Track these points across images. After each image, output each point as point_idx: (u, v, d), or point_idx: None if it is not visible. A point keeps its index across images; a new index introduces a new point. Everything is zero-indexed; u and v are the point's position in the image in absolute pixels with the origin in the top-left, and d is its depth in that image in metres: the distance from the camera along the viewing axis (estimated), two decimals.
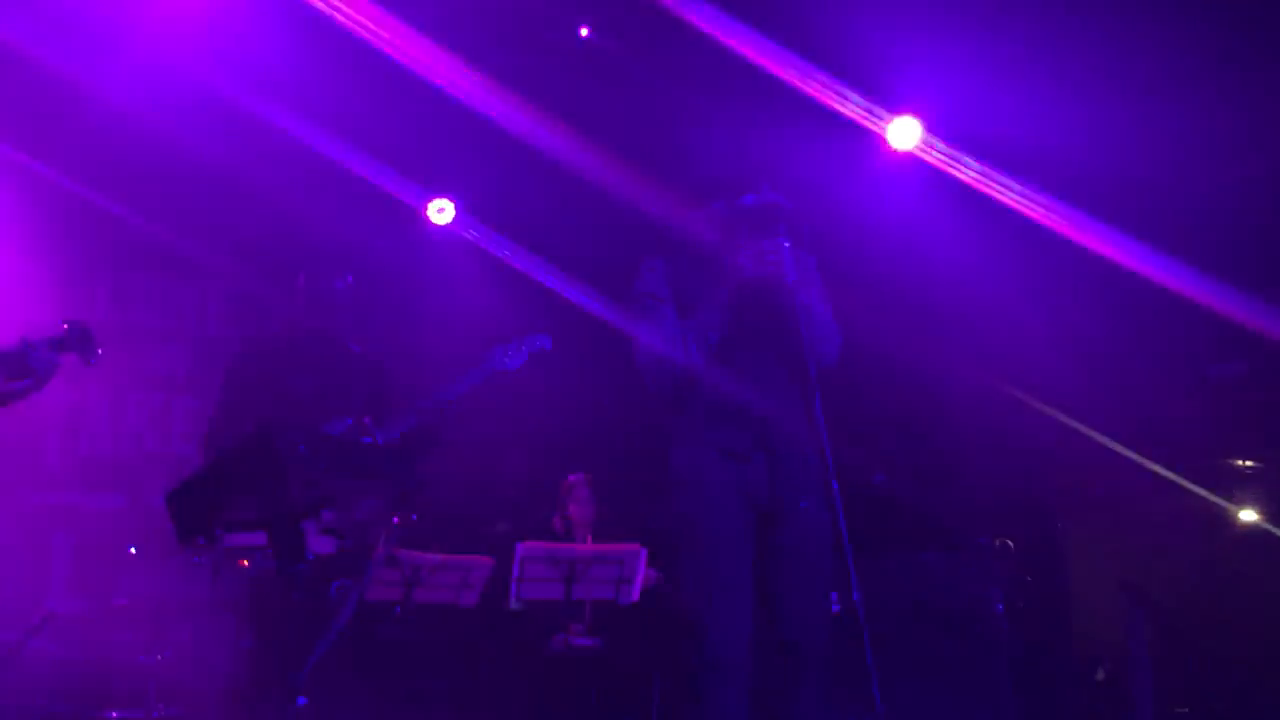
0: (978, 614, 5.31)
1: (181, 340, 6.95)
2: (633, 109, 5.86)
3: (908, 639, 4.98)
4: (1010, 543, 5.54)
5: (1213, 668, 5.40)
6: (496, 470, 6.77)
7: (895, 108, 5.79)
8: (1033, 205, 5.63)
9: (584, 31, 5.83)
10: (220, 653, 4.84)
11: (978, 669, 5.19)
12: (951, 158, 5.80)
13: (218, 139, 6.23)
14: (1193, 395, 5.70)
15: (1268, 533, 5.40)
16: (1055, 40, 5.22)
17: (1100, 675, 5.66)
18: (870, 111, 5.65)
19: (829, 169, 5.56)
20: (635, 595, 5.38)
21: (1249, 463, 5.55)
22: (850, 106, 5.61)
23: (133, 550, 5.57)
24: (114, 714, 5.09)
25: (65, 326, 3.72)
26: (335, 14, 5.53)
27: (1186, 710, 5.44)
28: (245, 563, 4.02)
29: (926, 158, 5.86)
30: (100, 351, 3.79)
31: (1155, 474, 5.52)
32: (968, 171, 5.74)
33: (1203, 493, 5.48)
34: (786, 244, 3.38)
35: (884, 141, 5.85)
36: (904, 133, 5.80)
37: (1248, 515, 5.47)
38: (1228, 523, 5.50)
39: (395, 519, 4.19)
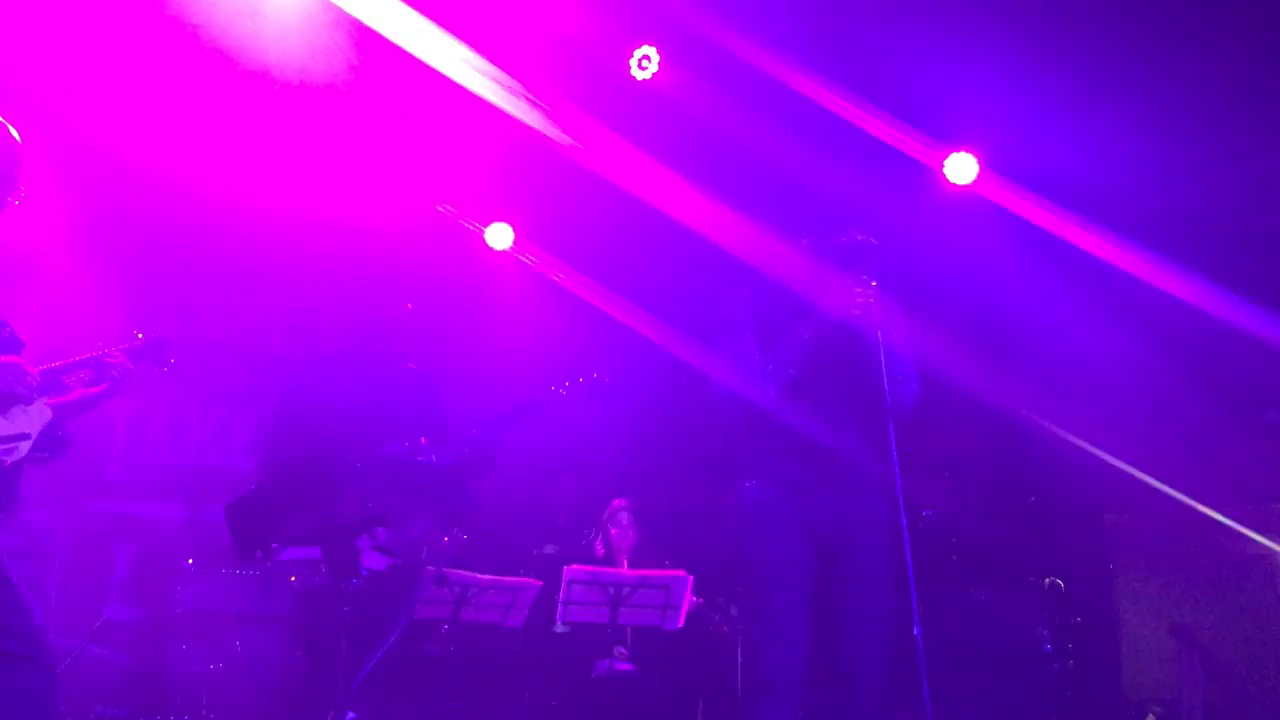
0: (1026, 654, 5.27)
1: (243, 356, 7.08)
2: (700, 140, 5.92)
3: (956, 676, 4.94)
4: (1060, 582, 5.48)
5: (1265, 714, 5.30)
6: (547, 493, 6.82)
7: (953, 143, 5.80)
8: (1090, 240, 5.60)
9: (648, 62, 5.90)
10: (272, 665, 4.94)
11: (1026, 709, 5.14)
12: (1010, 191, 5.80)
13: (284, 161, 6.38)
14: (1249, 438, 5.62)
15: None
16: (1112, 76, 5.21)
17: (1151, 718, 5.58)
18: (928, 146, 5.67)
19: (890, 205, 5.58)
20: (680, 622, 5.40)
21: None
22: (909, 142, 5.63)
23: (190, 561, 5.68)
24: None
25: (140, 336, 3.82)
26: (402, 40, 5.64)
27: None
28: (294, 578, 4.10)
29: (985, 193, 5.87)
30: (173, 360, 3.89)
31: (1208, 517, 5.45)
32: (1026, 206, 5.73)
33: (1256, 537, 5.40)
34: (875, 284, 3.43)
35: (943, 177, 5.86)
36: (962, 168, 5.81)
37: None
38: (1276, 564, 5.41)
39: (446, 539, 4.27)
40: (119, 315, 6.58)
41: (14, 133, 3.16)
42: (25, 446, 3.18)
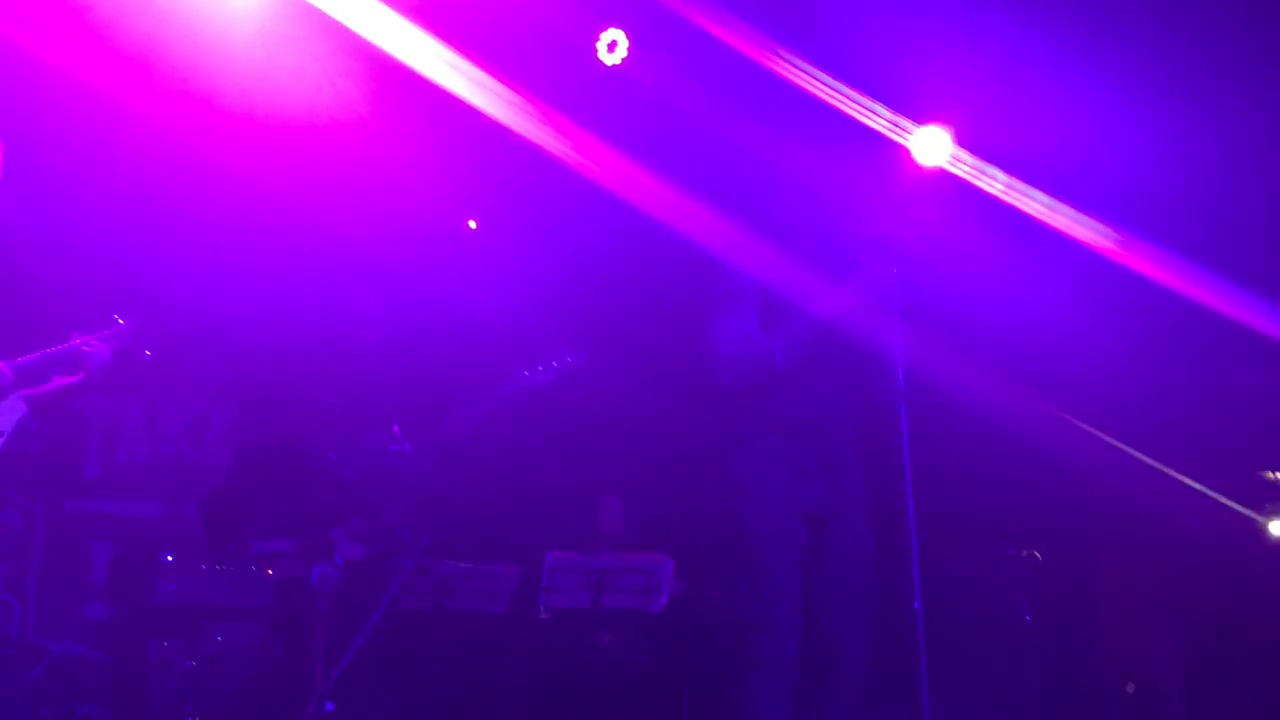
0: (1007, 626, 5.31)
1: (219, 348, 7.03)
2: (670, 125, 5.91)
3: (937, 649, 4.97)
4: (1039, 555, 5.52)
5: (1243, 681, 5.35)
6: (526, 479, 6.82)
7: (922, 119, 5.80)
8: (1060, 217, 5.62)
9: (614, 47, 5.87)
10: (252, 658, 4.92)
11: (1007, 681, 5.18)
12: (980, 171, 5.81)
13: (257, 150, 6.34)
14: (1224, 408, 5.66)
15: None
16: (1090, 49, 5.22)
17: (1130, 688, 5.62)
18: (895, 124, 5.67)
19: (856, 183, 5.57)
20: (662, 604, 5.41)
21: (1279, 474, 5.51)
22: (876, 120, 5.63)
23: (169, 558, 5.65)
24: (149, 719, 5.16)
25: (120, 321, 3.73)
26: (369, 32, 5.60)
27: None
28: (270, 571, 4.08)
29: (956, 171, 5.87)
30: (150, 351, 3.81)
31: (1185, 486, 5.49)
32: (996, 185, 5.75)
33: (1233, 505, 5.44)
34: (895, 271, 3.49)
35: (910, 155, 5.85)
36: (932, 145, 5.80)
37: (1278, 528, 5.43)
38: (1258, 535, 5.45)
39: (426, 530, 4.26)
40: (90, 309, 6.54)
41: None
42: None
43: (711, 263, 3.75)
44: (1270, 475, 5.49)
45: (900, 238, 3.52)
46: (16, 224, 5.10)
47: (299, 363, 4.75)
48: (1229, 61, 5.04)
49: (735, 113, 5.54)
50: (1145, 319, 5.66)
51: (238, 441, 4.62)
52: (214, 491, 3.48)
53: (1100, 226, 5.54)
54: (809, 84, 5.48)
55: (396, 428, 4.41)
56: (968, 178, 5.75)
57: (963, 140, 5.76)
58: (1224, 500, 5.46)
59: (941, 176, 5.86)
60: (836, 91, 5.50)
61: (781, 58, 5.45)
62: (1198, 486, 5.48)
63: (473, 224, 4.52)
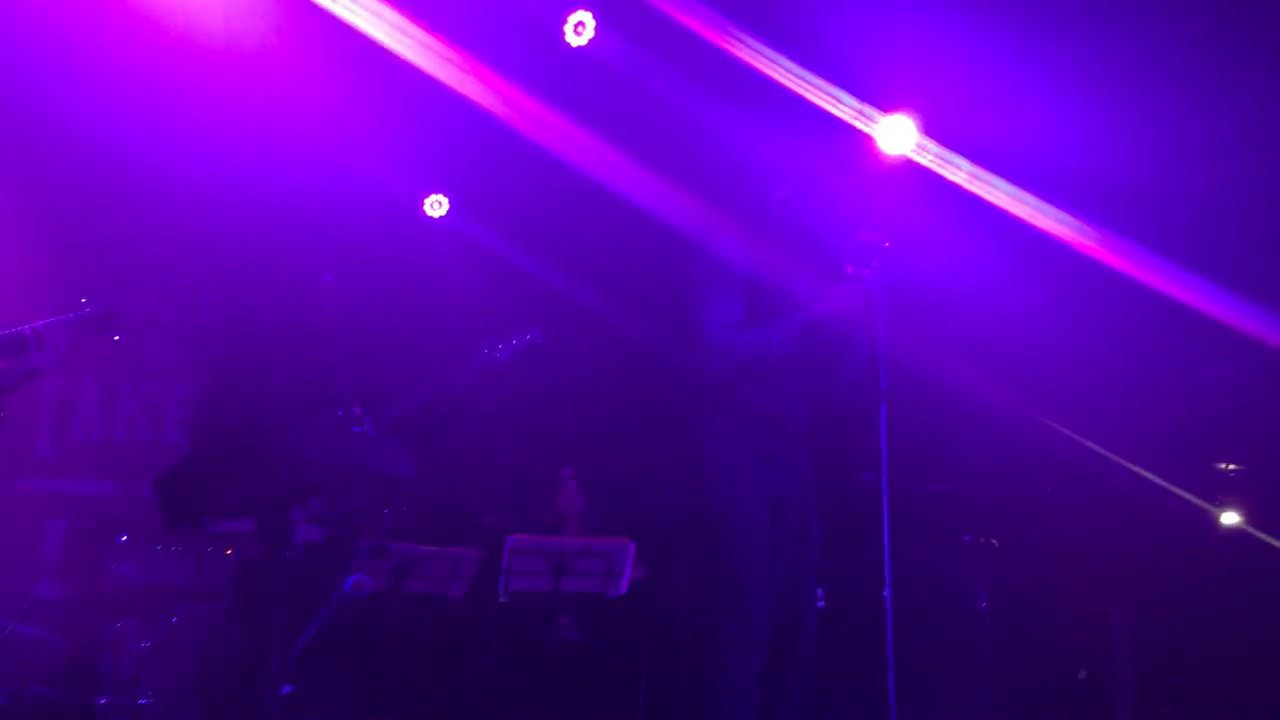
0: (961, 612, 5.36)
1: (175, 329, 6.95)
2: (628, 104, 5.89)
3: (894, 634, 5.01)
4: (994, 541, 5.58)
5: (1194, 668, 5.44)
6: (486, 461, 6.80)
7: (888, 107, 5.81)
8: (1021, 206, 5.66)
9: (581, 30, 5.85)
10: (208, 640, 4.88)
11: (960, 666, 5.23)
12: (943, 159, 5.83)
13: (213, 129, 6.26)
14: (1177, 398, 5.73)
15: (1250, 535, 5.44)
16: (1051, 37, 5.25)
17: (1082, 674, 5.70)
18: (861, 112, 5.68)
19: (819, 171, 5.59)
20: (623, 589, 5.41)
21: (1232, 466, 5.59)
22: (841, 108, 5.63)
23: (124, 538, 5.59)
24: (102, 699, 5.11)
25: (85, 303, 3.61)
26: (333, 7, 5.55)
27: (1167, 710, 5.48)
28: (229, 551, 4.04)
29: (920, 160, 5.89)
30: (119, 336, 3.68)
31: (1138, 476, 5.56)
32: (960, 174, 5.77)
33: (1186, 495, 5.52)
34: (878, 278, 3.57)
35: (875, 144, 5.86)
36: (898, 133, 5.80)
37: (1230, 518, 5.51)
38: (1210, 525, 5.53)
39: (385, 509, 4.23)
40: (44, 288, 6.45)
41: None
42: None
43: (692, 246, 3.76)
44: (1222, 467, 5.57)
45: (881, 245, 3.57)
46: None
47: (256, 342, 4.69)
48: (1191, 48, 5.09)
49: (700, 97, 5.54)
50: (1102, 308, 5.72)
51: (194, 421, 4.55)
52: (171, 471, 3.44)
53: (1062, 215, 5.59)
54: (774, 71, 5.48)
55: (358, 409, 4.37)
56: (932, 166, 5.78)
57: (928, 129, 5.79)
58: (1177, 491, 5.54)
59: (906, 166, 5.88)
60: (801, 79, 5.51)
61: (747, 44, 5.45)
62: (1151, 477, 5.55)
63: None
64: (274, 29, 5.53)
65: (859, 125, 5.67)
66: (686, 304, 3.67)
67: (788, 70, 5.47)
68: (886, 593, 3.30)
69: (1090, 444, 5.64)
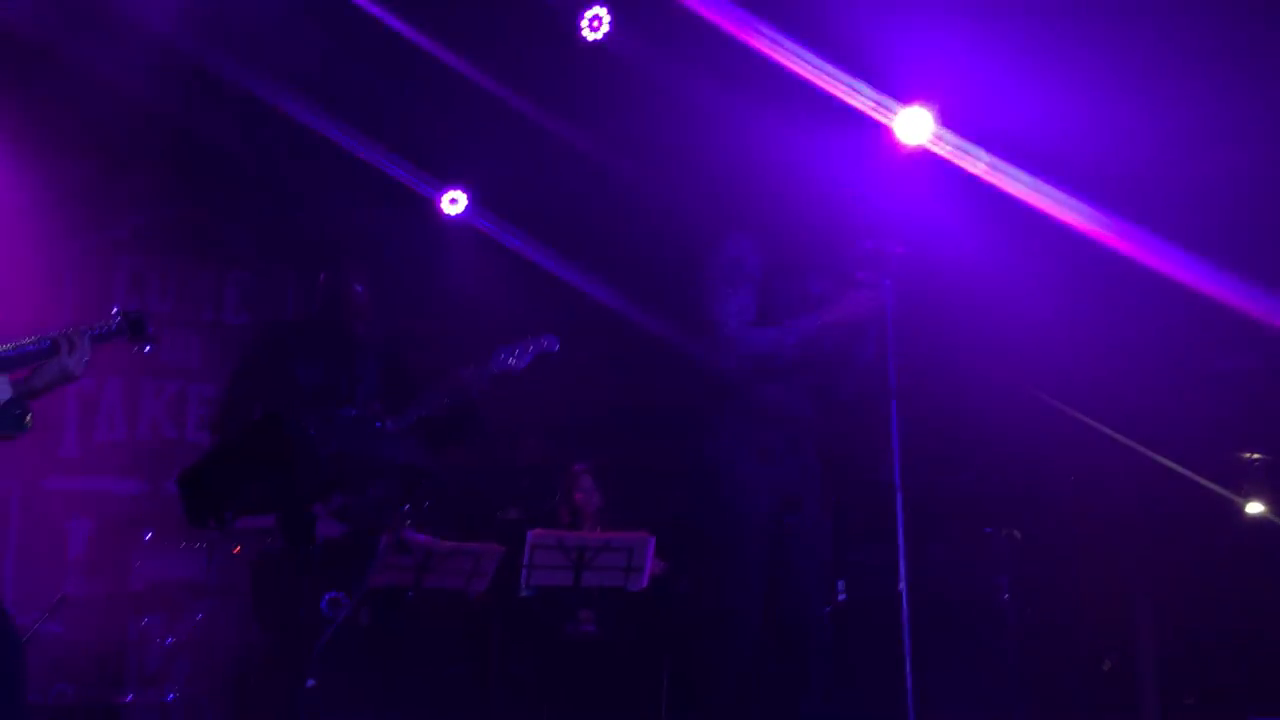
0: (985, 604, 5.35)
1: (198, 327, 7.01)
2: (642, 100, 5.89)
3: (915, 628, 5.01)
4: (1017, 533, 5.56)
5: (1218, 658, 5.41)
6: (509, 457, 6.82)
7: (905, 99, 5.79)
8: (1040, 197, 5.64)
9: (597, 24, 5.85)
10: (232, 636, 4.91)
11: (985, 659, 5.22)
12: (962, 150, 5.81)
13: (235, 127, 6.30)
14: (1201, 388, 5.70)
15: (1274, 525, 5.40)
16: (1063, 30, 5.22)
17: (1106, 665, 5.68)
18: (879, 104, 5.66)
19: (837, 163, 5.58)
20: (644, 583, 5.42)
21: (1256, 455, 5.55)
22: (860, 99, 5.62)
23: (149, 535, 5.63)
24: (129, 696, 5.16)
25: (116, 313, 3.60)
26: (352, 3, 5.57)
27: (1192, 701, 5.46)
28: (238, 549, 4.05)
29: (938, 150, 5.87)
30: (151, 345, 3.67)
31: (1162, 466, 5.53)
32: (978, 165, 5.75)
33: (1209, 485, 5.49)
34: (888, 283, 3.61)
35: (894, 135, 5.85)
36: (915, 125, 5.79)
37: (1254, 508, 5.48)
38: (1234, 515, 5.50)
39: (406, 506, 4.25)
40: (67, 289, 6.51)
41: None
42: None
43: (708, 242, 3.77)
44: (1246, 456, 5.54)
45: (893, 253, 3.59)
46: None
47: (279, 340, 4.71)
48: (1211, 38, 5.06)
49: (716, 92, 5.53)
50: (1125, 299, 5.69)
51: (216, 418, 4.56)
52: (193, 467, 3.45)
53: (1081, 206, 5.56)
54: (791, 62, 5.47)
55: (378, 405, 4.39)
56: (951, 158, 5.76)
57: (946, 120, 5.77)
58: (1201, 480, 5.51)
59: (924, 156, 5.87)
60: (819, 70, 5.50)
61: (764, 37, 5.44)
62: (1175, 466, 5.52)
63: None
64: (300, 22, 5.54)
65: (877, 116, 5.66)
66: (703, 300, 3.68)
67: (805, 62, 5.46)
68: (902, 587, 3.32)
69: (1113, 434, 5.62)
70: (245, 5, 5.64)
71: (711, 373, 3.68)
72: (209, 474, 3.25)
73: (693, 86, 5.68)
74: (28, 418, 3.27)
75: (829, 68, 5.50)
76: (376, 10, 5.63)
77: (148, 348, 3.54)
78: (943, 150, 5.84)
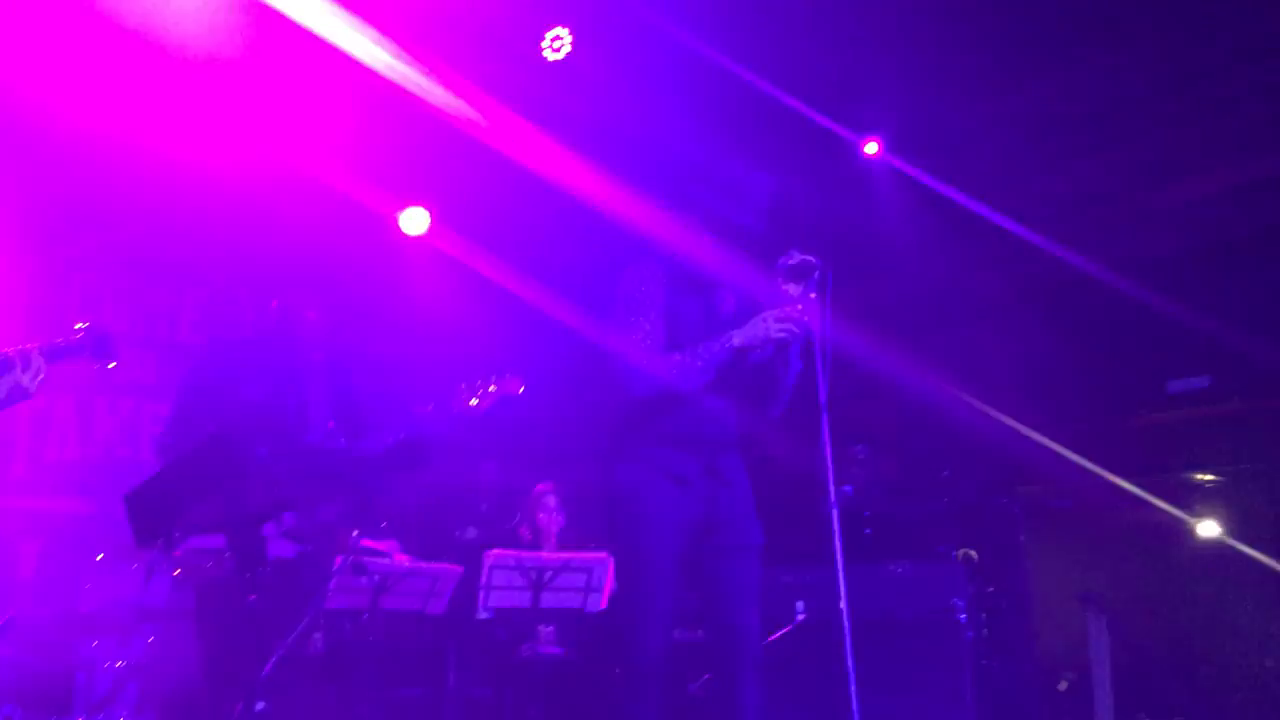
0: (941, 624, 5.36)
1: (152, 346, 6.93)
2: (605, 118, 5.91)
3: (871, 648, 5.01)
4: (974, 554, 5.59)
5: (1172, 676, 5.46)
6: (466, 478, 6.78)
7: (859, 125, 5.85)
8: (998, 221, 5.70)
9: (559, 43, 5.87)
10: (182, 658, 4.83)
11: (941, 678, 5.23)
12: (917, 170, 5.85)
13: (191, 145, 6.25)
14: (1154, 409, 5.77)
15: (1226, 545, 5.47)
16: (1007, 63, 5.31)
17: (1062, 685, 5.71)
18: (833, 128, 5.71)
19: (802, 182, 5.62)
20: (603, 604, 5.40)
21: (1209, 476, 5.62)
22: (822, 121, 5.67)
23: (100, 557, 5.54)
24: (78, 719, 5.06)
25: (79, 329, 3.52)
26: (314, 23, 5.55)
27: (1146, 719, 5.50)
28: (178, 571, 3.99)
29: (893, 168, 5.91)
30: (115, 361, 3.59)
31: (1116, 486, 5.59)
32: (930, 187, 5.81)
33: (1163, 505, 5.55)
34: (814, 296, 3.53)
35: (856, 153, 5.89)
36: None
37: (1207, 528, 5.54)
38: (1187, 535, 5.56)
39: (356, 532, 4.20)
40: (19, 305, 6.42)
41: None
42: None
43: (617, 266, 3.74)
44: (1199, 477, 5.60)
45: (817, 266, 3.54)
46: None
47: (233, 358, 4.67)
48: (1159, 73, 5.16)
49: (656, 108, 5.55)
50: (1080, 322, 5.76)
51: (162, 434, 4.48)
52: (142, 485, 3.40)
53: (1037, 232, 5.64)
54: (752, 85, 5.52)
55: (332, 424, 4.35)
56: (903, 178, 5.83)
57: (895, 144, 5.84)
58: (1155, 500, 5.57)
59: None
60: (779, 92, 5.54)
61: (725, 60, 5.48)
62: (1129, 487, 5.58)
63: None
64: (252, 48, 5.52)
65: (832, 140, 5.72)
66: (609, 326, 3.66)
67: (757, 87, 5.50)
68: (843, 605, 3.31)
69: (1070, 454, 5.67)
70: (203, 25, 5.61)
71: (620, 400, 3.65)
72: (157, 493, 3.21)
73: (653, 107, 5.71)
74: None
75: (789, 91, 5.55)
76: (338, 28, 5.61)
77: (113, 364, 3.48)
78: (896, 172, 5.90)
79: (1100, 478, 5.62)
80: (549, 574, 5.24)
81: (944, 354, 5.90)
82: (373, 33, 5.65)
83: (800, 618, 5.32)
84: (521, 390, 4.80)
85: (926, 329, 5.96)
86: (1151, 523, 5.60)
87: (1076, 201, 5.51)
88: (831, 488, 3.40)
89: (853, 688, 3.23)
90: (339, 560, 4.37)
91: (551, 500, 6.16)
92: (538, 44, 5.86)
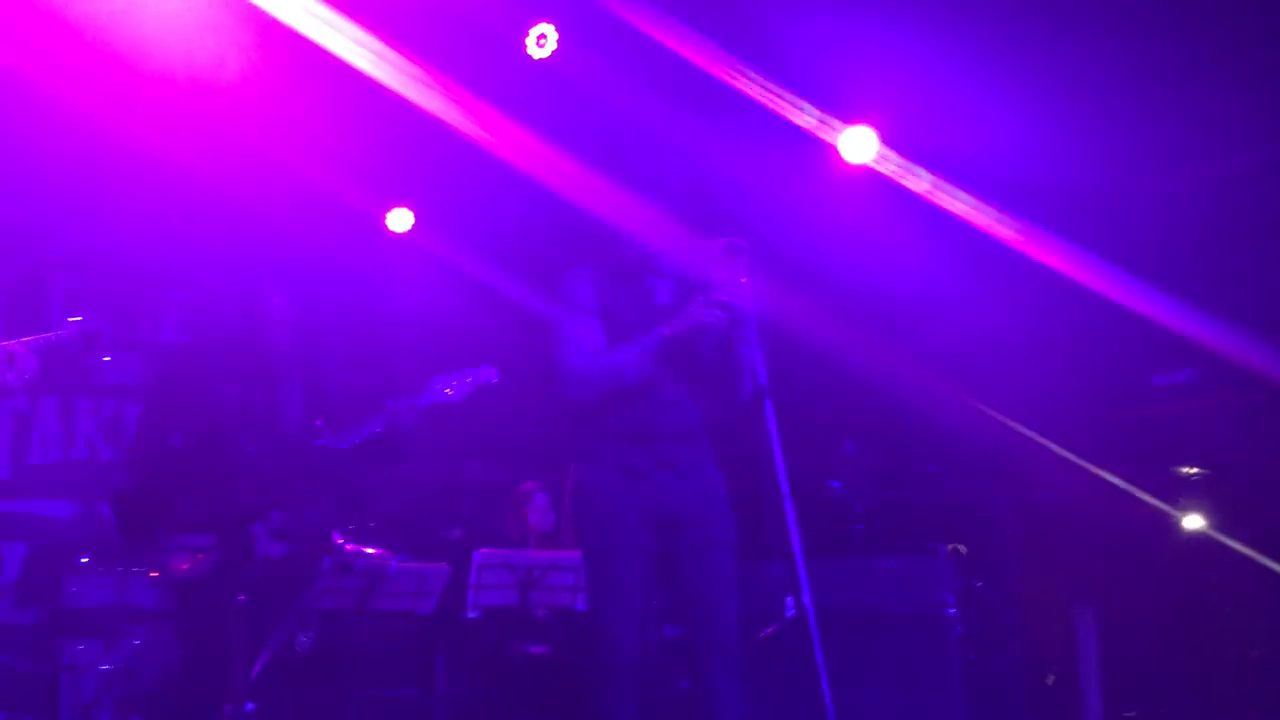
0: (930, 618, 5.37)
1: (135, 348, 6.88)
2: (585, 114, 5.89)
3: (860, 643, 5.03)
4: (962, 548, 5.60)
5: (1160, 671, 5.49)
6: (453, 476, 6.76)
7: (849, 118, 5.84)
8: (983, 216, 5.71)
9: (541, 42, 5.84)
10: (170, 660, 4.80)
11: (929, 673, 5.24)
12: (905, 169, 5.86)
13: (174, 144, 6.21)
14: (1139, 403, 5.79)
15: (1212, 539, 5.49)
16: (1008, 51, 5.30)
17: (1050, 679, 5.73)
18: (823, 122, 5.70)
19: (781, 181, 5.62)
20: None
21: (1194, 470, 5.65)
22: (804, 117, 5.66)
23: (85, 559, 5.52)
24: None
25: (72, 322, 3.49)
26: (293, 20, 5.52)
27: (1134, 714, 5.52)
28: (155, 574, 3.96)
29: (881, 169, 5.92)
30: (107, 357, 3.57)
31: (1103, 480, 5.61)
32: (920, 184, 5.81)
33: (1149, 499, 5.57)
34: (746, 281, 3.47)
35: (837, 153, 5.89)
36: (858, 144, 5.83)
37: (1193, 522, 5.57)
38: (1173, 529, 5.59)
39: (341, 540, 4.19)
40: (4, 307, 6.37)
41: None
42: None
43: (554, 269, 3.74)
44: (1184, 471, 5.63)
45: (744, 250, 3.52)
46: None
47: (198, 360, 4.63)
48: (1147, 62, 5.17)
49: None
50: (1065, 316, 5.77)
51: (146, 437, 4.45)
52: (129, 486, 3.37)
53: (1022, 225, 5.64)
54: (737, 80, 5.51)
55: (320, 421, 4.32)
56: (895, 177, 5.82)
57: (889, 139, 5.83)
58: (1141, 495, 5.59)
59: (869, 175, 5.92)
60: (764, 88, 5.53)
61: (712, 54, 5.47)
62: (1116, 481, 5.60)
63: None
64: (235, 45, 5.49)
65: (822, 134, 5.71)
66: (548, 336, 3.66)
67: (750, 79, 5.49)
68: (806, 600, 3.27)
69: (1056, 449, 5.69)
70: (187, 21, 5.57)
71: (565, 405, 3.65)
72: (145, 493, 3.18)
73: (640, 105, 5.69)
74: None
75: (772, 83, 5.54)
76: (321, 26, 5.58)
77: (107, 358, 3.46)
78: (888, 170, 5.90)
79: (1086, 471, 5.64)
80: (537, 572, 5.24)
81: (930, 349, 5.91)
82: (351, 26, 5.62)
83: (790, 614, 5.33)
84: (496, 380, 4.79)
85: (913, 324, 5.96)
86: (1137, 516, 5.62)
87: (1062, 194, 5.52)
88: (782, 475, 3.32)
89: (824, 682, 3.21)
90: (327, 561, 4.35)
91: (541, 498, 6.15)
92: (522, 40, 5.84)
